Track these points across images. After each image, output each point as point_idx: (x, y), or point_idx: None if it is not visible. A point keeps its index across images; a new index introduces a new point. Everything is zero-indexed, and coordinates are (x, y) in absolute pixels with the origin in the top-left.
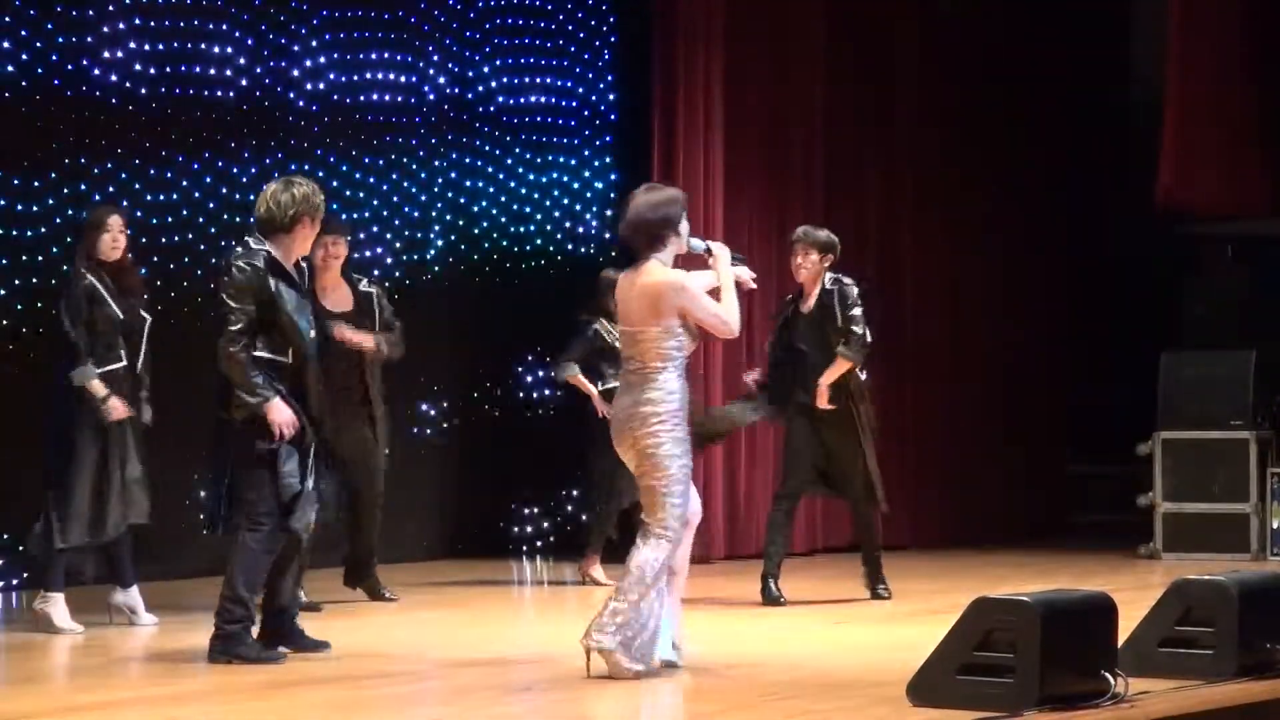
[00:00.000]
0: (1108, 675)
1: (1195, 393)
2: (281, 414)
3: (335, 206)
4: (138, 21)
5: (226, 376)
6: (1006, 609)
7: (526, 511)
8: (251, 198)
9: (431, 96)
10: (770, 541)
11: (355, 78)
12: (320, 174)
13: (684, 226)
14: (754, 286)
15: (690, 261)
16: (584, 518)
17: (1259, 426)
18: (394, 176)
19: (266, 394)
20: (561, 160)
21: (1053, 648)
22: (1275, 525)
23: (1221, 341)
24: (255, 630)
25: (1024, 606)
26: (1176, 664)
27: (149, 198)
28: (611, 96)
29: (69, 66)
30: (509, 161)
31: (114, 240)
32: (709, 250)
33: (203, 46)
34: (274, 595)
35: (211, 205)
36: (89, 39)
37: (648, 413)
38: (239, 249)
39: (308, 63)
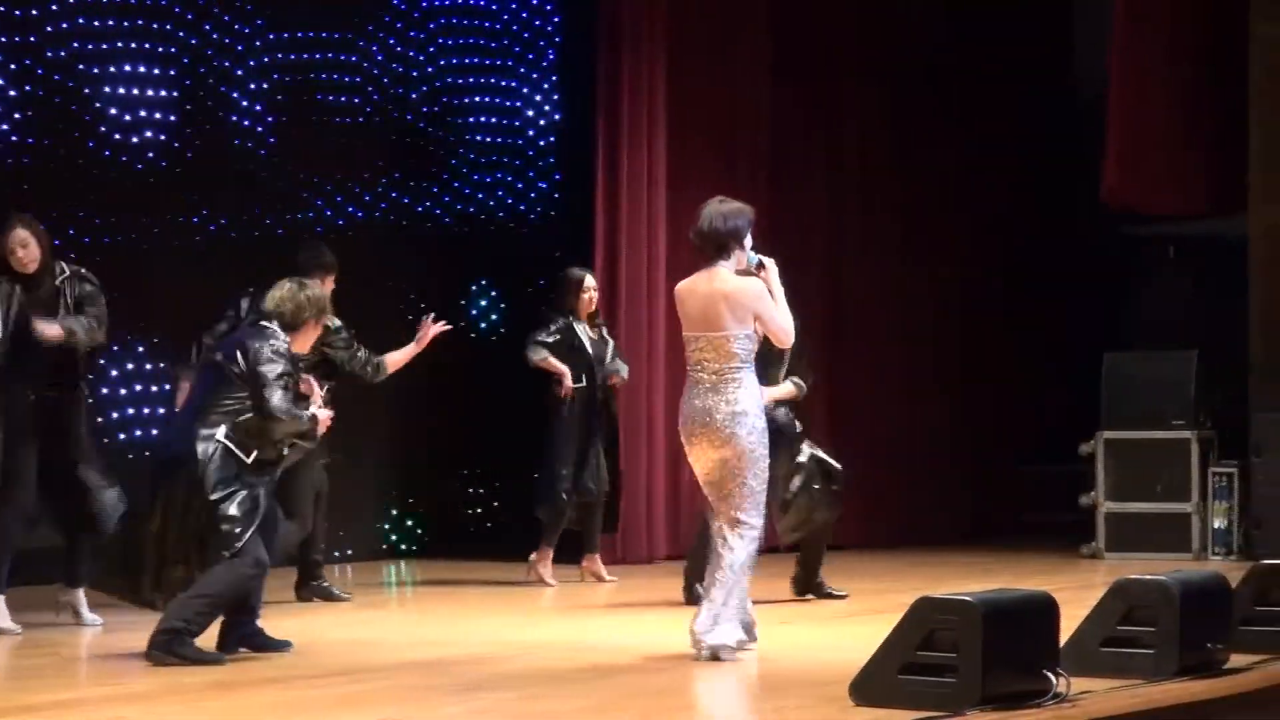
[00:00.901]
0: (1049, 675)
1: (1138, 392)
2: (324, 416)
3: (279, 207)
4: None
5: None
6: (949, 608)
7: (475, 511)
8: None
9: (376, 98)
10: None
11: (299, 78)
12: (263, 175)
13: (748, 240)
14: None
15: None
16: (538, 516)
17: (1201, 426)
18: (338, 177)
19: (305, 414)
20: (505, 162)
21: (995, 647)
22: (1217, 525)
23: (1164, 341)
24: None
25: (966, 606)
26: (1118, 663)
27: None
28: (555, 98)
29: None
30: (453, 163)
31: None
32: (761, 264)
33: (145, 46)
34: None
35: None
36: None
37: (741, 412)
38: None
39: (251, 63)
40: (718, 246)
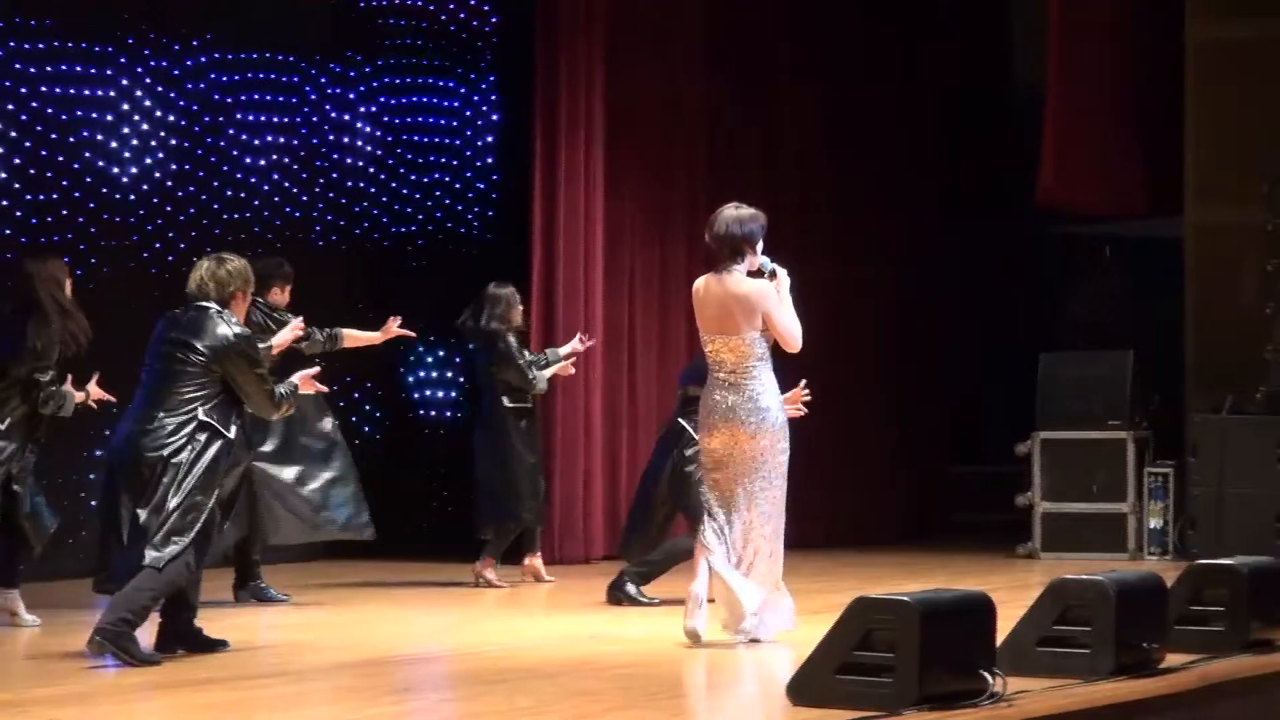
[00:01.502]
0: (986, 674)
1: (1074, 393)
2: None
3: (216, 207)
4: None
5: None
6: (886, 609)
7: (417, 512)
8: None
9: (313, 96)
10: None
11: (236, 77)
12: (201, 174)
13: (760, 245)
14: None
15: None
16: (484, 537)
17: (1137, 426)
18: (274, 177)
19: (287, 389)
20: (443, 161)
21: (932, 647)
22: (1153, 525)
23: (1100, 342)
24: (154, 629)
25: (903, 606)
26: (1054, 663)
27: None
28: (494, 98)
29: None
30: (390, 162)
31: None
32: (774, 272)
33: (96, 49)
34: (176, 595)
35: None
36: None
37: (764, 407)
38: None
39: (189, 63)
40: (732, 250)
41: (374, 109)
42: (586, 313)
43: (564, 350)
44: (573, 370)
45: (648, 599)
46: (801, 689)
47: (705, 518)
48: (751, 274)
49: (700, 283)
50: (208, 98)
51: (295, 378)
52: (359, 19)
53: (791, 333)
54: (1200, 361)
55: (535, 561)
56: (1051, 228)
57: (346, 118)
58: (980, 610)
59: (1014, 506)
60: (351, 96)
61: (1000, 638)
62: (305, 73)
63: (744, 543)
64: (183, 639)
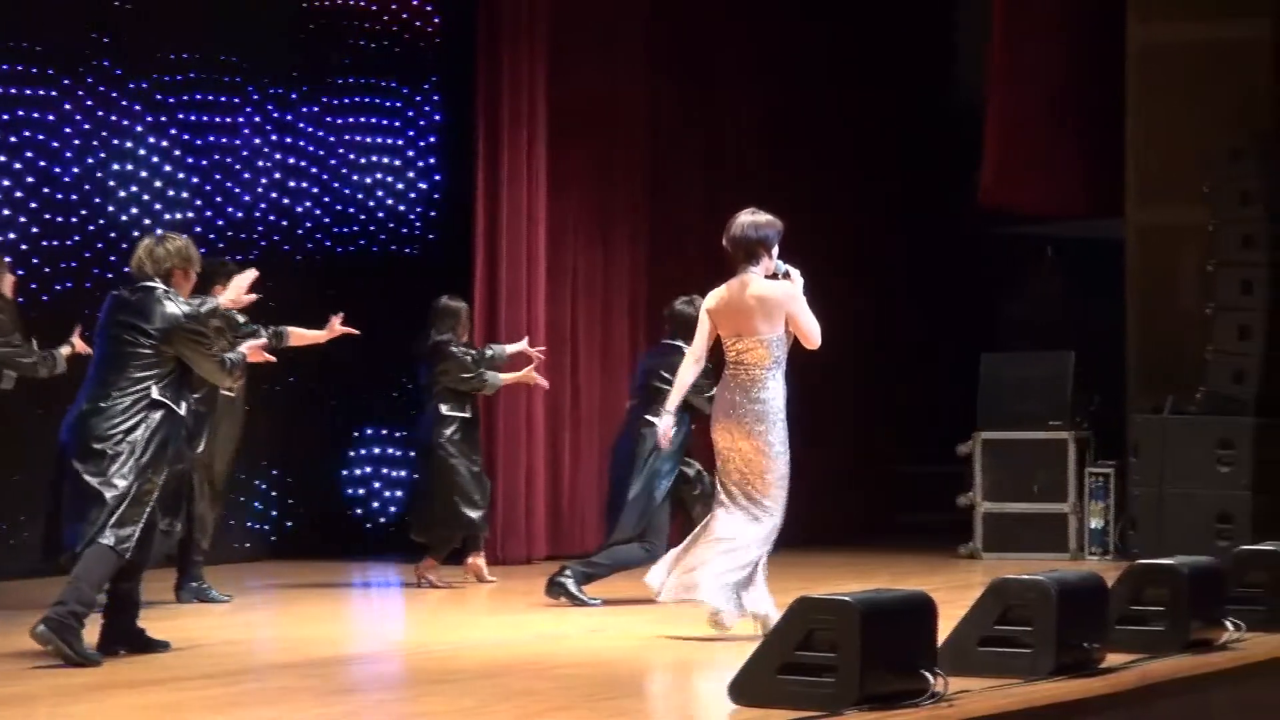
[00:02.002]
0: (927, 674)
1: (1015, 393)
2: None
3: (158, 207)
4: None
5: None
6: (827, 609)
7: (358, 512)
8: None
9: (255, 96)
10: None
11: (179, 77)
12: (142, 174)
13: (776, 250)
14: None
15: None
16: (422, 540)
17: (1078, 427)
18: (217, 177)
19: (236, 357)
20: (385, 161)
21: (873, 647)
22: (1094, 525)
23: (1042, 342)
24: (98, 628)
25: (845, 606)
26: (995, 663)
27: None
28: (436, 98)
29: None
30: (333, 162)
31: None
32: (788, 273)
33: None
34: (119, 595)
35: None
36: None
37: (762, 411)
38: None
39: (130, 63)
40: (748, 253)
41: (315, 109)
42: (529, 313)
43: (510, 349)
44: (545, 384)
45: (590, 599)
46: (743, 689)
47: (715, 508)
48: (768, 277)
49: (715, 293)
50: (149, 98)
51: (244, 347)
52: (300, 19)
53: (814, 330)
54: (1141, 362)
55: (478, 561)
56: (994, 229)
57: (289, 118)
58: (922, 610)
59: (956, 506)
60: (294, 96)
61: (942, 638)
62: (247, 72)
63: (739, 538)
64: (125, 639)
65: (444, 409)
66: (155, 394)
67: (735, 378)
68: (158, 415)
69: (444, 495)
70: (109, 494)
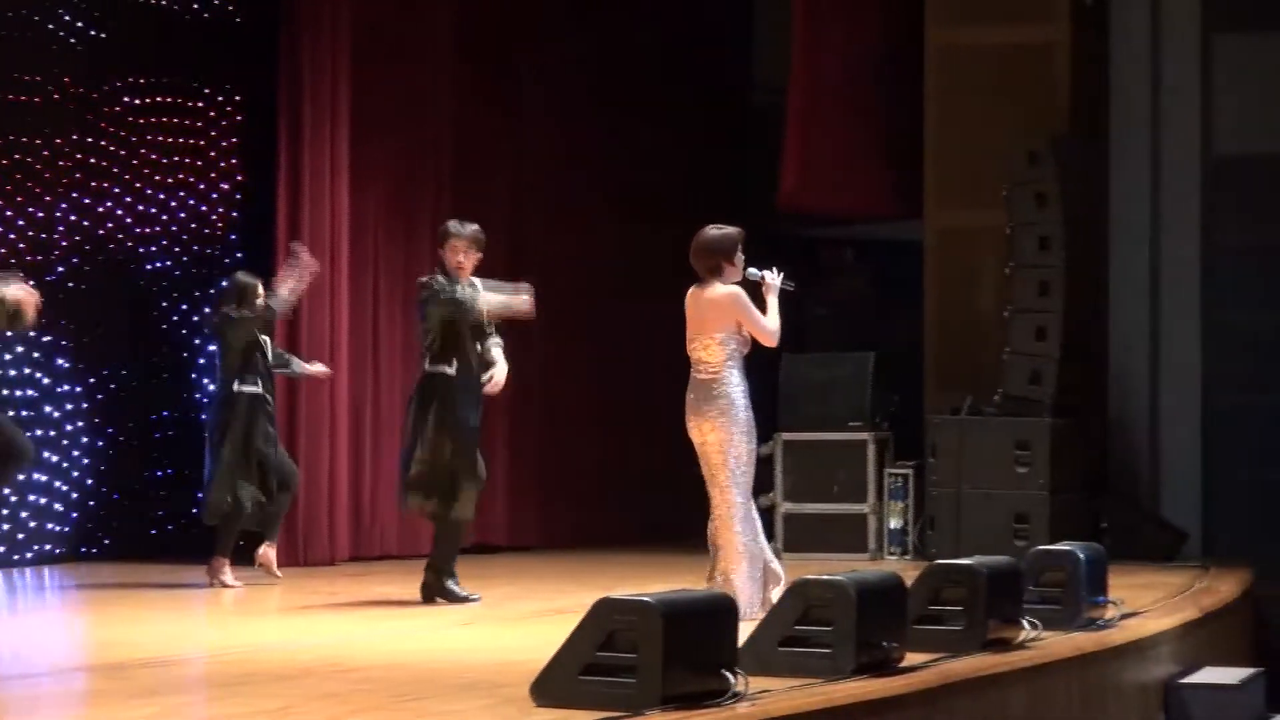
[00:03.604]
0: (728, 674)
1: (815, 394)
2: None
3: None
4: None
5: None
6: (629, 609)
7: (157, 514)
8: None
9: (56, 97)
10: None
11: None
12: None
13: (739, 258)
14: (791, 287)
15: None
16: (209, 523)
17: (877, 428)
18: (18, 176)
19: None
20: (188, 161)
21: (674, 648)
22: (893, 525)
23: (842, 344)
24: None
25: (646, 607)
26: (796, 663)
27: None
28: (237, 98)
29: None
30: (134, 162)
31: None
32: (762, 277)
33: None
34: None
35: None
36: None
37: (725, 405)
38: None
39: None
40: (709, 268)
41: (118, 109)
42: (332, 312)
43: (310, 368)
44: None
45: (469, 595)
46: (545, 689)
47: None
48: (737, 283)
49: (689, 293)
50: None
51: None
52: (99, 19)
53: (768, 331)
54: (939, 363)
55: (269, 553)
56: (796, 230)
57: (89, 118)
58: (723, 611)
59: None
60: (95, 97)
61: (743, 638)
62: (48, 71)
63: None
64: None
65: (236, 385)
66: None
67: (695, 375)
68: None
69: (216, 475)
70: None
